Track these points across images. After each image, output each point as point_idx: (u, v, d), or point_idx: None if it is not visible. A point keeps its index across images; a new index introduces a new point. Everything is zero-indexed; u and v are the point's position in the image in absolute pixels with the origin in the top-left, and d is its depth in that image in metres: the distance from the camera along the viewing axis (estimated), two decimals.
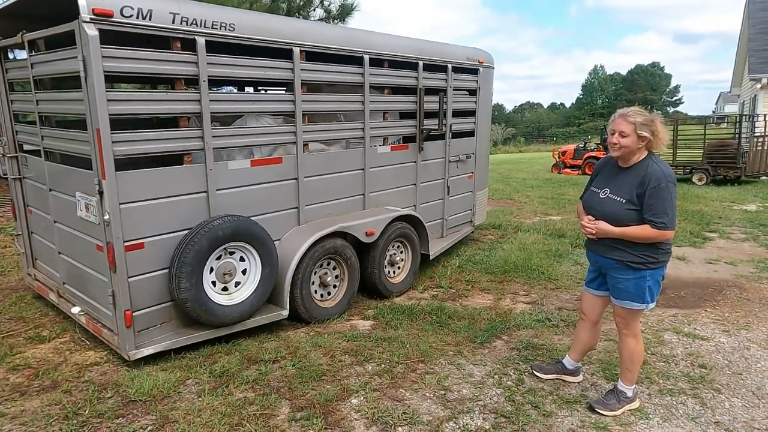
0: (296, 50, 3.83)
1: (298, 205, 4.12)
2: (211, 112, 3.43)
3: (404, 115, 5.11)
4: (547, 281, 5.21)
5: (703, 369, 3.41)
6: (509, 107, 72.51)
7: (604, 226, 2.73)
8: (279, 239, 3.98)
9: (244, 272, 3.68)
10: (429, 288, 5.06)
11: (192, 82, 3.40)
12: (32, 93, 3.69)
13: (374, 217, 4.53)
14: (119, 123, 3.11)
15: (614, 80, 64.51)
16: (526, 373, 3.34)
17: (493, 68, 6.15)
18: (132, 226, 3.18)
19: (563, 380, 3.25)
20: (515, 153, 32.47)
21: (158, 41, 3.19)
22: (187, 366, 3.34)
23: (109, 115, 2.97)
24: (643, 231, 2.62)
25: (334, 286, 4.34)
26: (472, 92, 5.86)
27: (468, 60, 5.62)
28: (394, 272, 4.90)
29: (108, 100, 2.95)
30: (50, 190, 3.87)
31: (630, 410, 2.92)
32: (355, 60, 4.34)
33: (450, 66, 5.33)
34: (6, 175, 4.40)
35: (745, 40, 18.60)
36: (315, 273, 4.14)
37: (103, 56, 2.90)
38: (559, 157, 17.29)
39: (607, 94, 62.80)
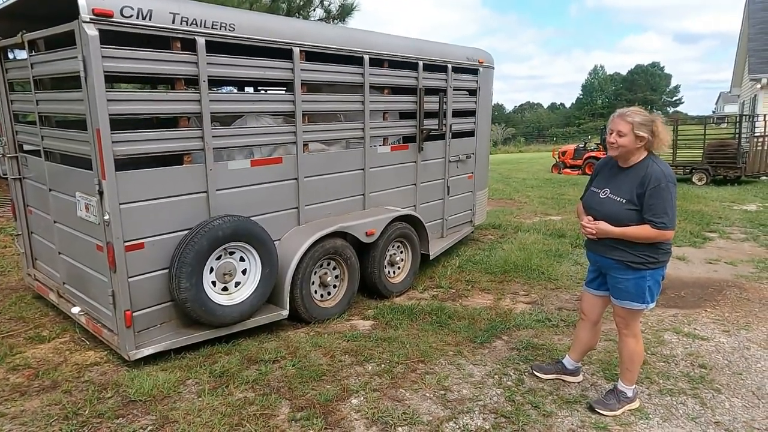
0: (296, 50, 3.83)
1: (298, 205, 4.12)
2: (211, 112, 3.43)
3: (404, 115, 5.11)
4: (547, 281, 5.21)
5: (703, 369, 3.41)
6: (509, 107, 72.65)
7: (604, 226, 2.73)
8: (279, 239, 3.98)
9: (244, 272, 3.68)
10: (429, 288, 5.06)
11: (192, 82, 3.40)
12: (32, 93, 3.69)
13: (374, 217, 4.53)
14: (119, 123, 3.11)
15: (614, 80, 64.52)
16: (526, 373, 3.34)
17: (493, 68, 6.15)
18: (132, 226, 3.18)
19: (563, 380, 3.25)
20: (515, 153, 32.48)
21: (158, 41, 3.19)
22: (187, 366, 3.34)
23: (109, 115, 2.97)
24: (643, 231, 2.62)
25: (334, 286, 4.34)
26: (472, 92, 5.86)
27: (468, 60, 5.62)
28: (394, 272, 4.90)
29: (108, 100, 2.95)
30: (50, 190, 3.87)
31: (630, 410, 2.92)
32: (355, 60, 4.34)
33: (450, 66, 5.33)
34: (6, 175, 4.41)
35: (745, 40, 18.60)
36: (315, 273, 4.14)
37: (103, 56, 2.90)
38: (559, 157, 17.30)
39: (607, 94, 62.81)
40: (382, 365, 3.40)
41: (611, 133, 2.70)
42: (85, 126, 3.09)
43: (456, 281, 5.20)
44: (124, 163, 3.12)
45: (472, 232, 6.63)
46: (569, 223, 7.86)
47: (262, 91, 5.93)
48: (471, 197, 6.19)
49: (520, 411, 2.90)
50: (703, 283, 5.17)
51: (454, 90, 5.48)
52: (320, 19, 11.34)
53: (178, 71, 3.28)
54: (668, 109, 58.98)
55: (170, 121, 3.62)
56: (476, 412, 2.90)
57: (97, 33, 2.85)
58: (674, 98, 62.29)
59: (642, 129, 2.62)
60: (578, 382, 3.24)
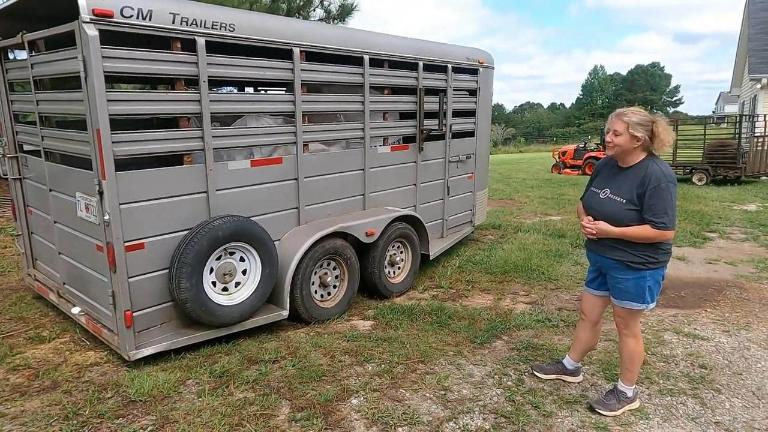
0: (296, 50, 3.84)
1: (298, 205, 4.12)
2: (211, 113, 3.43)
3: (404, 116, 5.11)
4: (547, 281, 5.21)
5: (703, 369, 3.41)
6: (509, 107, 72.68)
7: (604, 226, 2.73)
8: (279, 239, 3.98)
9: (244, 272, 3.68)
10: (429, 288, 5.06)
11: (192, 82, 3.40)
12: (32, 93, 3.69)
13: (374, 217, 4.53)
14: (119, 123, 3.11)
15: (614, 80, 64.53)
16: (526, 374, 3.34)
17: (493, 68, 6.15)
18: (132, 227, 3.18)
19: (563, 380, 3.25)
20: (515, 153, 32.47)
21: (158, 41, 3.19)
22: (188, 366, 3.34)
23: (109, 115, 2.97)
24: (643, 231, 2.62)
25: (334, 287, 4.35)
26: (472, 92, 5.86)
27: (468, 60, 5.62)
28: (394, 272, 4.90)
29: (108, 101, 2.95)
30: (50, 190, 3.87)
31: (630, 410, 2.92)
32: (355, 60, 4.34)
33: (450, 66, 5.33)
34: (6, 175, 4.41)
35: (745, 40, 18.61)
36: (315, 273, 4.14)
37: (103, 56, 2.90)
38: (559, 158, 17.30)
39: (607, 94, 62.82)
40: (382, 365, 3.40)
41: (608, 133, 2.71)
42: (85, 126, 3.09)
43: (456, 281, 5.20)
44: (124, 164, 3.12)
45: (472, 233, 6.63)
46: (569, 223, 7.86)
47: (262, 92, 5.93)
48: (471, 197, 6.19)
49: (520, 411, 2.90)
50: (703, 283, 5.17)
51: (454, 90, 5.48)
52: (320, 20, 11.34)
53: (178, 71, 3.28)
54: (668, 109, 59.01)
55: (170, 122, 3.63)
56: (476, 412, 2.90)
57: (97, 33, 2.85)
58: (674, 98, 62.33)
59: (638, 129, 2.62)
60: (578, 383, 3.24)
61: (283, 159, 3.98)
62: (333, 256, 4.21)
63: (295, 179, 4.06)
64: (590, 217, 2.82)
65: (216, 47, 3.41)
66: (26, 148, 4.23)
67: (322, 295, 4.27)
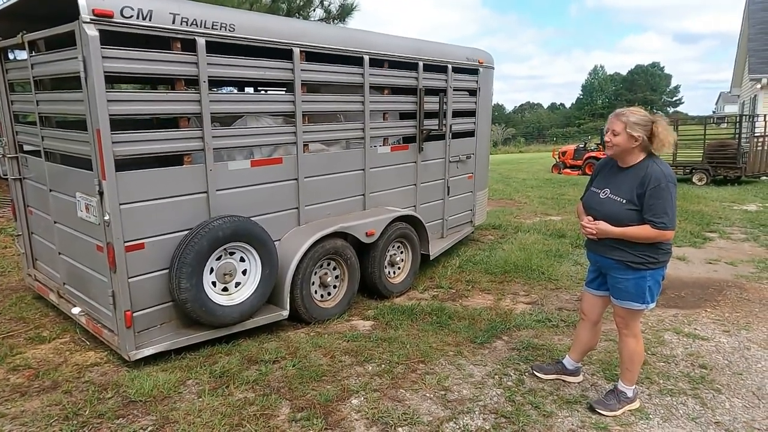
0: (296, 51, 3.84)
1: (298, 205, 4.12)
2: (211, 113, 3.43)
3: (404, 116, 5.11)
4: (547, 281, 5.21)
5: (704, 369, 3.41)
6: (509, 107, 72.69)
7: (604, 226, 2.73)
8: (279, 239, 3.98)
9: (244, 273, 3.68)
10: (429, 288, 5.06)
11: (192, 82, 3.40)
12: (32, 93, 3.69)
13: (374, 217, 4.53)
14: (119, 123, 3.11)
15: (614, 80, 64.52)
16: (526, 374, 3.34)
17: (493, 68, 6.15)
18: (132, 227, 3.18)
19: (563, 380, 3.25)
20: (515, 153, 32.48)
21: (158, 42, 3.19)
22: (188, 366, 3.34)
23: (109, 115, 2.97)
24: (643, 231, 2.62)
25: (334, 287, 4.35)
26: (472, 92, 5.86)
27: (468, 60, 5.62)
28: (394, 272, 4.90)
29: (108, 101, 2.95)
30: (50, 190, 3.87)
31: (630, 410, 2.92)
32: (355, 60, 4.34)
33: (450, 66, 5.33)
34: (6, 175, 4.41)
35: (745, 40, 18.61)
36: (315, 273, 4.14)
37: (103, 57, 2.90)
38: (559, 158, 17.30)
39: (607, 94, 62.81)
40: (383, 365, 3.40)
41: (607, 132, 2.71)
42: (85, 126, 3.09)
43: (456, 281, 5.20)
44: (124, 164, 3.12)
45: (473, 233, 6.63)
46: (569, 223, 7.86)
47: (262, 92, 5.93)
48: (471, 197, 6.19)
49: (521, 411, 2.90)
50: (703, 284, 5.17)
51: (454, 90, 5.48)
52: (320, 20, 11.34)
53: (178, 71, 3.28)
54: (668, 109, 59.01)
55: (170, 122, 3.63)
56: (476, 413, 2.90)
57: (97, 33, 2.85)
58: (674, 98, 62.33)
59: (635, 128, 2.62)
60: (578, 383, 3.24)
61: (283, 159, 3.98)
62: (333, 256, 4.21)
63: (295, 179, 4.06)
64: (590, 217, 2.82)
65: (216, 47, 3.41)
66: (26, 148, 4.23)
67: (322, 295, 4.27)
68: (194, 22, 3.24)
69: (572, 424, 2.81)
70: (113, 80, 3.55)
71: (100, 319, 3.55)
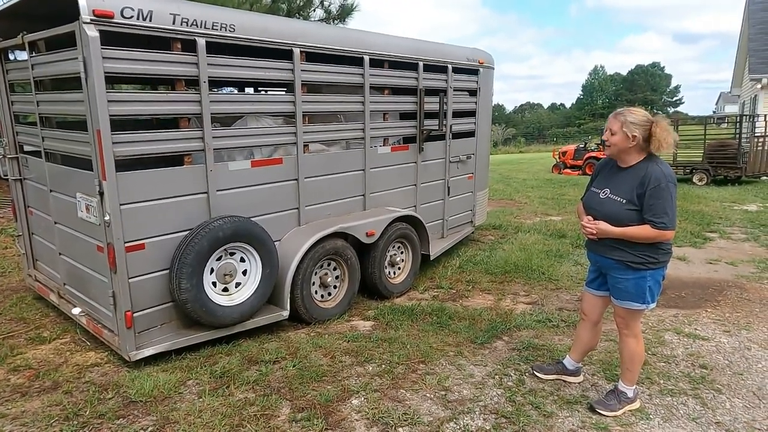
0: (296, 51, 3.84)
1: (298, 205, 4.12)
2: (211, 113, 3.43)
3: (404, 116, 5.11)
4: (547, 282, 5.21)
5: (704, 369, 3.40)
6: (509, 107, 72.72)
7: (604, 226, 2.73)
8: (279, 240, 3.98)
9: (244, 273, 3.68)
10: (429, 288, 5.06)
11: (192, 83, 3.40)
12: (33, 94, 3.69)
13: (374, 217, 4.53)
14: (120, 124, 3.12)
15: (614, 80, 64.53)
16: (526, 374, 3.34)
17: (493, 68, 6.15)
18: (132, 227, 3.18)
19: (564, 381, 3.25)
20: (515, 153, 32.48)
21: (158, 42, 3.20)
22: (188, 367, 3.34)
23: (110, 116, 2.97)
24: (643, 231, 2.62)
25: (335, 287, 4.35)
26: (473, 93, 5.86)
27: (468, 60, 5.62)
28: (394, 273, 4.90)
29: (108, 101, 2.95)
30: (51, 191, 3.87)
31: (631, 411, 2.92)
32: (355, 61, 4.34)
33: (450, 66, 5.33)
34: (6, 176, 4.41)
35: (745, 40, 18.61)
36: (315, 274, 4.14)
37: (103, 57, 2.90)
38: (559, 158, 17.30)
39: (607, 94, 62.83)
40: (383, 366, 3.40)
41: (605, 132, 2.72)
42: (85, 127, 3.09)
43: (456, 282, 5.20)
44: (124, 164, 3.12)
45: (473, 233, 6.63)
46: (570, 223, 7.86)
47: (263, 92, 5.93)
48: (471, 198, 6.19)
49: (521, 411, 2.90)
50: (703, 284, 5.17)
51: (454, 90, 5.48)
52: (320, 20, 11.35)
53: (179, 72, 3.28)
54: (668, 109, 58.97)
55: (171, 122, 3.63)
56: (477, 413, 2.90)
57: (97, 34, 2.85)
58: (674, 98, 62.32)
59: (633, 128, 2.62)
60: (579, 383, 3.24)
61: (284, 159, 3.98)
62: (333, 256, 4.22)
63: (296, 180, 4.06)
64: (590, 217, 2.83)
65: (216, 48, 3.41)
66: (27, 148, 4.23)
67: (322, 296, 4.27)
68: (194, 23, 3.24)
69: (572, 425, 2.81)
70: (113, 81, 3.55)
71: (101, 320, 3.55)
